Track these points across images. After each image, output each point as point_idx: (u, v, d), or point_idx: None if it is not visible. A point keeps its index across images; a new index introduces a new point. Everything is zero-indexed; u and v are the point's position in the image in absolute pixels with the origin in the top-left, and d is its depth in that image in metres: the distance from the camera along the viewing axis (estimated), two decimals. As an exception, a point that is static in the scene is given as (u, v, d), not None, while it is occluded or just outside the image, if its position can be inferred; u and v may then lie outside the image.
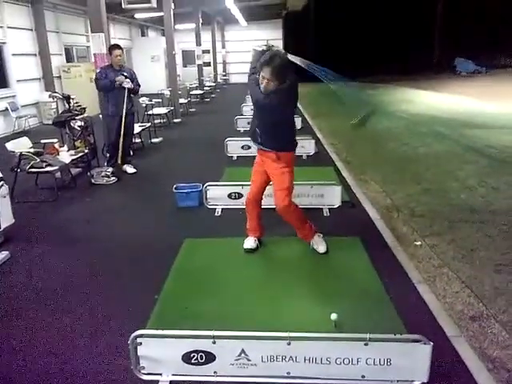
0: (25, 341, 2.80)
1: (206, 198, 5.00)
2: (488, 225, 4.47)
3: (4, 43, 10.78)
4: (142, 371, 2.35)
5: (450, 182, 5.91)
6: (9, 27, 10.88)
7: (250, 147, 7.53)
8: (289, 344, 2.24)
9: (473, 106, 13.32)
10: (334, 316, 2.75)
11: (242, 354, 2.29)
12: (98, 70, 6.27)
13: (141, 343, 2.29)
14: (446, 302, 3.14)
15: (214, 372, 2.33)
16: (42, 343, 2.77)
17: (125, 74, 6.22)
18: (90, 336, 2.83)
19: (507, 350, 2.62)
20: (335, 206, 4.86)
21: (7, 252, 4.03)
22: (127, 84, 6.20)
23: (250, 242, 3.95)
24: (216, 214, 4.91)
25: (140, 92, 6.82)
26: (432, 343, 2.20)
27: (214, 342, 2.28)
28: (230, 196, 4.97)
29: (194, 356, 2.31)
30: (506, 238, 4.16)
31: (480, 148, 7.76)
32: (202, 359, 2.31)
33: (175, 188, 5.17)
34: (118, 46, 6.28)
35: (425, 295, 3.20)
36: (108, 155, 6.69)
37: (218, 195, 4.99)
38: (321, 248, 3.84)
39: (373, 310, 3.01)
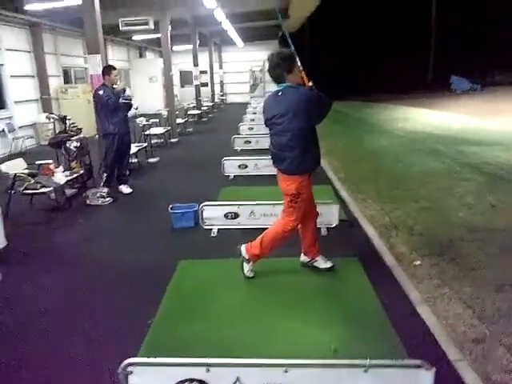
0: (14, 365, 2.71)
1: (202, 219, 4.94)
2: (488, 243, 4.40)
3: (2, 65, 10.84)
4: (133, 401, 2.25)
5: (448, 200, 5.87)
6: (7, 49, 10.96)
7: (247, 166, 7.53)
8: (286, 371, 2.16)
9: (469, 123, 13.40)
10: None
11: (238, 382, 2.20)
12: (100, 91, 6.25)
13: (132, 372, 2.20)
14: (447, 324, 3.06)
15: (208, 401, 2.23)
16: (31, 369, 2.68)
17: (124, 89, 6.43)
18: (80, 363, 2.73)
19: (512, 374, 2.53)
20: (333, 225, 4.80)
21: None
22: (128, 95, 6.47)
23: None
24: (212, 234, 4.84)
25: (138, 112, 6.88)
26: (434, 368, 2.12)
27: (208, 370, 2.18)
28: (226, 216, 4.91)
29: (187, 385, 2.22)
30: (506, 256, 4.09)
31: (477, 165, 7.75)
32: (195, 388, 2.22)
33: (171, 208, 5.12)
34: (113, 67, 6.53)
35: (425, 317, 3.12)
36: (105, 175, 6.65)
37: (214, 215, 4.93)
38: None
39: (372, 333, 2.92)
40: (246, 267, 3.74)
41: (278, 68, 3.40)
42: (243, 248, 3.73)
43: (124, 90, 6.45)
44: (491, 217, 5.15)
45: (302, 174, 3.50)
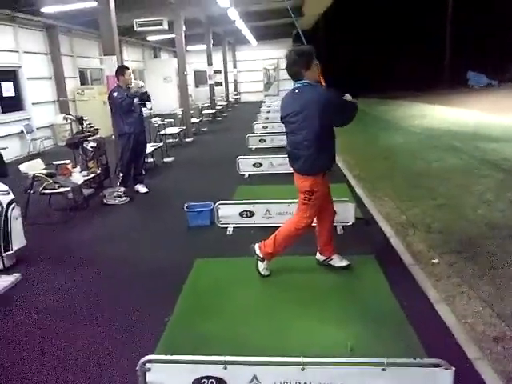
0: (33, 363, 2.76)
1: (218, 217, 4.96)
2: (508, 240, 4.32)
3: (20, 67, 11.02)
4: (151, 398, 2.27)
5: (467, 197, 5.78)
6: (24, 52, 11.15)
7: (261, 165, 7.53)
8: (303, 370, 2.15)
9: (487, 119, 13.17)
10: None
11: (254, 380, 2.20)
12: (114, 92, 6.29)
13: (150, 369, 2.22)
14: (466, 323, 3.01)
15: (225, 399, 2.24)
16: (50, 368, 2.72)
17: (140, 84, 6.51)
18: (98, 361, 2.76)
19: (534, 373, 2.48)
20: (349, 224, 4.77)
21: (19, 274, 4.03)
22: (144, 89, 6.50)
23: None
24: (228, 232, 4.85)
25: (153, 112, 6.92)
26: (453, 368, 2.08)
27: (226, 368, 2.19)
28: (241, 214, 4.92)
29: (204, 382, 2.21)
30: (527, 254, 4.01)
31: (496, 161, 7.61)
32: (212, 386, 2.22)
33: (186, 207, 5.14)
34: (127, 67, 6.57)
35: (444, 315, 3.08)
36: (121, 175, 6.72)
37: (229, 214, 4.94)
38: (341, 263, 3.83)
39: (389, 332, 2.89)
40: (261, 266, 3.74)
41: (296, 65, 3.37)
42: (257, 247, 3.73)
43: (142, 87, 6.47)
44: (511, 214, 5.06)
45: (316, 174, 3.49)
